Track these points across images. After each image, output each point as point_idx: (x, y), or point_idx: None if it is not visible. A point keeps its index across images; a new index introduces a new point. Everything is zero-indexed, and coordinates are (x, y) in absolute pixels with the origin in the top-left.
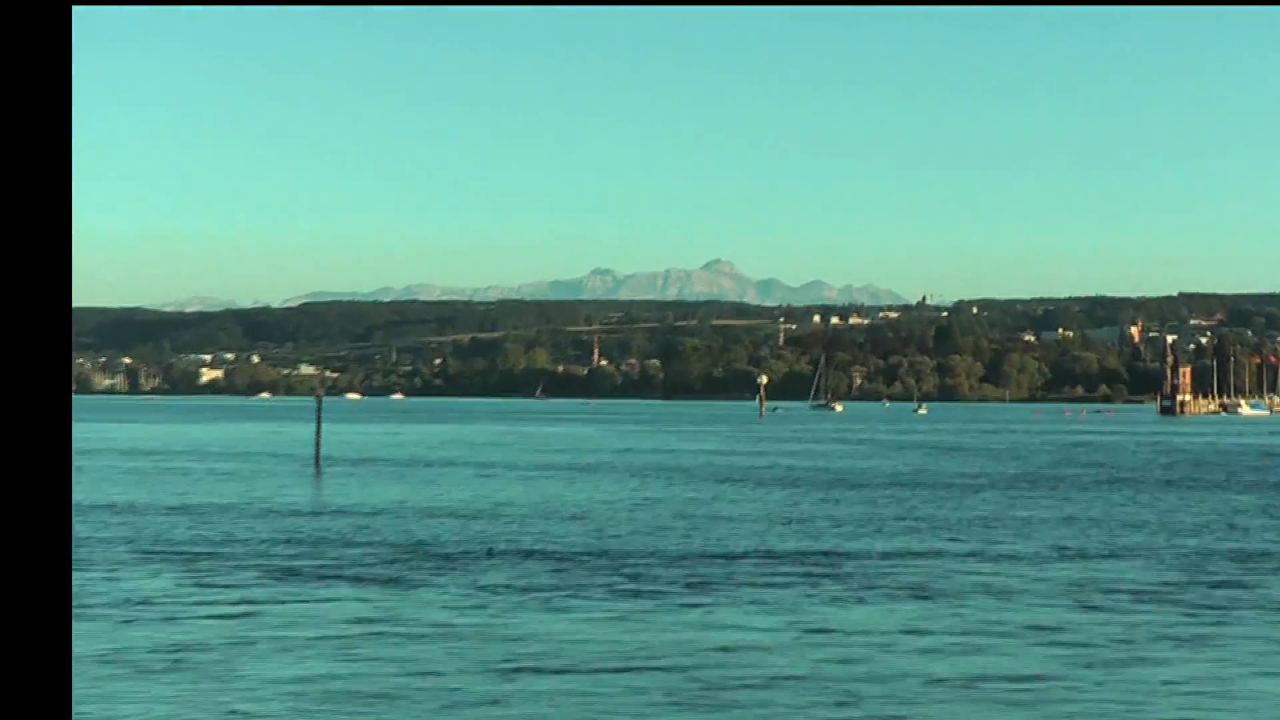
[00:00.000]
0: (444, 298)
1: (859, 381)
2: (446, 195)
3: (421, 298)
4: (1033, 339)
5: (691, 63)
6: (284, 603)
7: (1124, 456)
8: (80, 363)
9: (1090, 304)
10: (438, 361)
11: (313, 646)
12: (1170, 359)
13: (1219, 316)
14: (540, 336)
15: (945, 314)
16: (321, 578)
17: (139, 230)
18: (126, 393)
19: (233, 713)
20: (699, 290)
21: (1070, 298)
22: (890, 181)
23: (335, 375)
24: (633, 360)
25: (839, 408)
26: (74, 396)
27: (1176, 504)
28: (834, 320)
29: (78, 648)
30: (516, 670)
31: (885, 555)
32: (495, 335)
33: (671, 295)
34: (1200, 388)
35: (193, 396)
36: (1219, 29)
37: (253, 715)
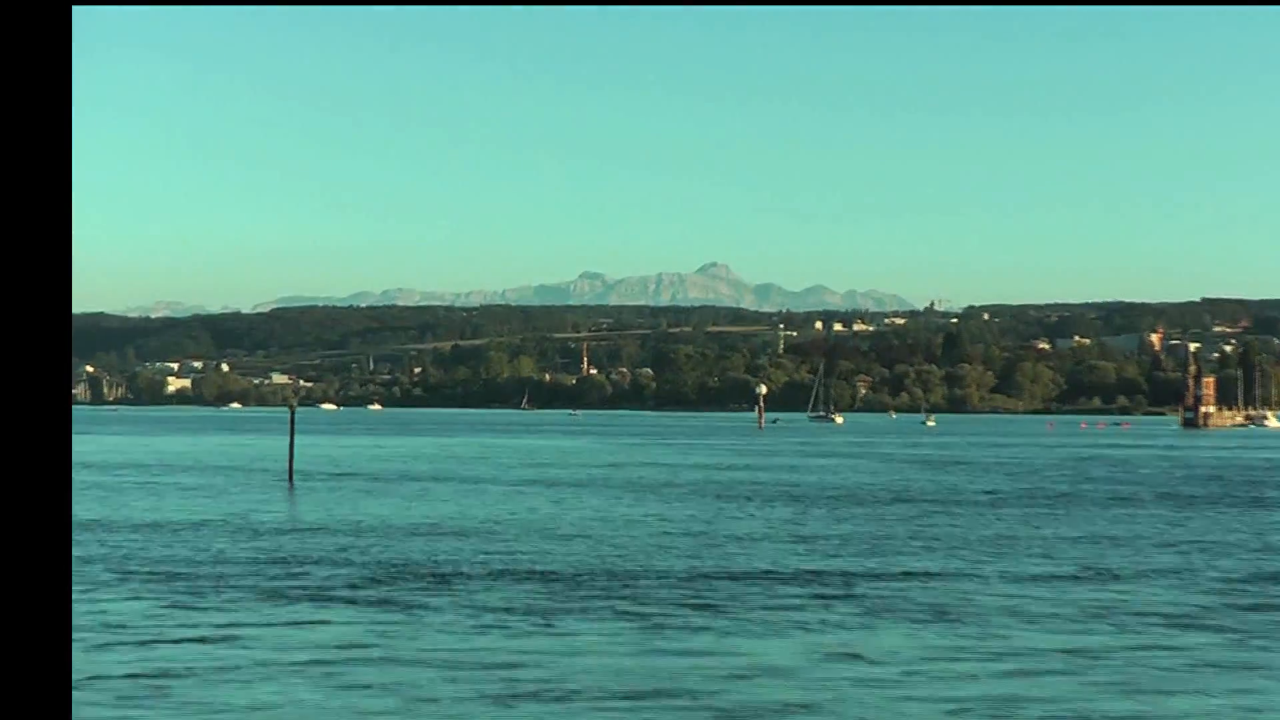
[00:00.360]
0: (424, 303)
1: (863, 392)
2: (426, 195)
3: (400, 303)
4: (1047, 347)
5: (687, 58)
6: (268, 626)
7: (1144, 472)
8: None
9: (1108, 310)
10: (417, 370)
11: (301, 673)
12: (1193, 368)
13: (1244, 323)
14: (525, 344)
15: (954, 321)
16: (307, 599)
17: (102, 232)
18: (89, 403)
19: None
20: (693, 295)
21: (1086, 303)
22: (895, 180)
23: (309, 385)
24: (623, 369)
25: (839, 419)
26: None
27: (1204, 523)
28: (836, 327)
29: None
30: (515, 697)
31: (901, 575)
32: (478, 343)
33: (664, 300)
34: (1225, 399)
35: (158, 407)
36: (1241, 26)
37: None
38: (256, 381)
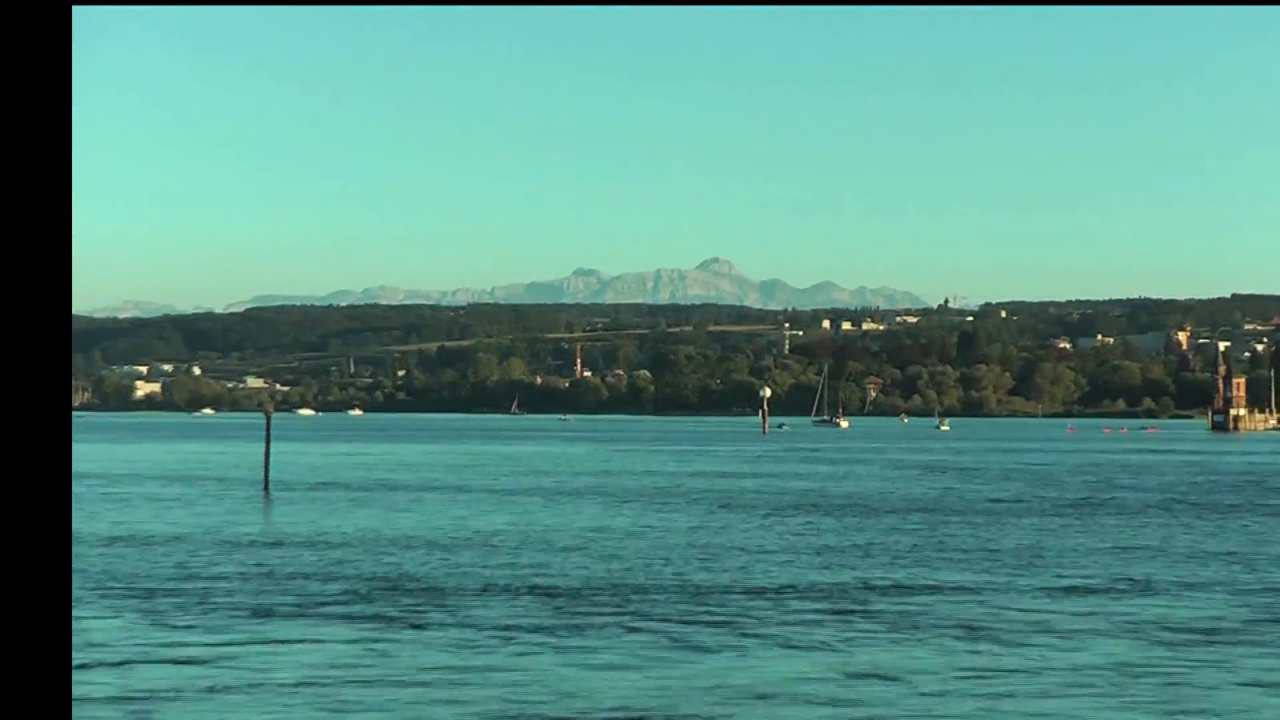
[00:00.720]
0: (408, 301)
1: (873, 395)
2: (410, 188)
3: (383, 301)
4: (1068, 347)
5: (686, 43)
6: (258, 644)
7: (1171, 479)
8: None
9: (1132, 307)
10: (401, 373)
11: (294, 694)
12: (1222, 369)
13: (1276, 321)
14: (516, 345)
15: (970, 319)
16: (296, 616)
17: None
18: None
19: None
20: (694, 293)
21: (1110, 300)
22: (907, 172)
23: (286, 389)
24: (619, 371)
25: (844, 424)
26: None
27: (1238, 533)
28: (845, 326)
29: None
30: (517, 719)
31: (925, 589)
32: (465, 344)
33: (663, 298)
34: (1256, 401)
35: (127, 413)
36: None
37: None
38: (230, 385)
